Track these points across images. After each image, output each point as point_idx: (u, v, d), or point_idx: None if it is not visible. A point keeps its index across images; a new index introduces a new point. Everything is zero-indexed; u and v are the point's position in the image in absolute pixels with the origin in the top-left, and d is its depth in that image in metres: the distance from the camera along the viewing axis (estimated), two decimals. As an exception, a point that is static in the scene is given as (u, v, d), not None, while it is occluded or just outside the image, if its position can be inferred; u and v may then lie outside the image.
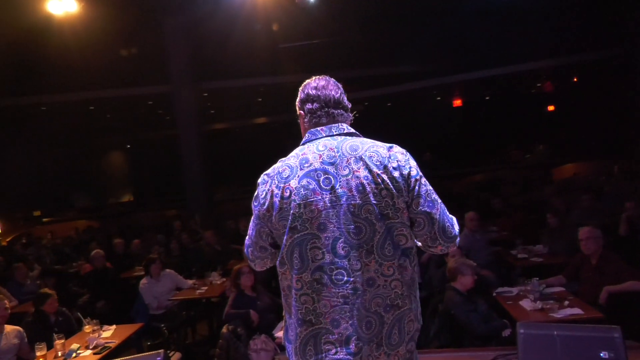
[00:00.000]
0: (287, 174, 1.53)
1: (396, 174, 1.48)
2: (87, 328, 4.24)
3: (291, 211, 1.48)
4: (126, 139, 19.98)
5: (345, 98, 1.70)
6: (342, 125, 1.62)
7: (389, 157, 1.50)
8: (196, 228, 10.44)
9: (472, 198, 10.15)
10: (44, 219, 13.98)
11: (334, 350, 1.46)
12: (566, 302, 3.55)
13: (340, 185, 1.47)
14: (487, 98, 18.65)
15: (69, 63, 11.23)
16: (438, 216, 1.52)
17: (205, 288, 5.59)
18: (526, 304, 3.67)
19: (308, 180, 1.49)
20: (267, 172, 1.61)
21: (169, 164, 15.14)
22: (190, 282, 5.86)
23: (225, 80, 14.26)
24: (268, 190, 1.55)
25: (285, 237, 1.50)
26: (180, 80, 12.72)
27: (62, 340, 3.96)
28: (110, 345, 3.96)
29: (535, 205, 8.36)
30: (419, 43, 13.18)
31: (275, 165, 1.61)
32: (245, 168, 18.43)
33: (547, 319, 3.36)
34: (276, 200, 1.52)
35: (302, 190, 1.48)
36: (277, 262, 1.57)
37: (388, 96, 16.54)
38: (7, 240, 11.12)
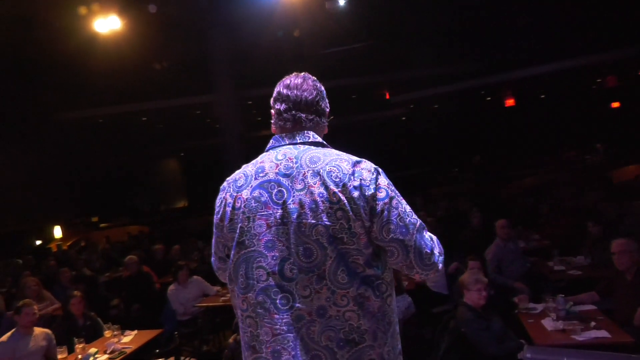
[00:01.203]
0: (241, 183, 1.40)
1: (356, 194, 1.29)
2: (107, 333, 4.41)
3: (239, 224, 1.36)
4: (179, 147, 20.82)
5: (324, 102, 1.52)
6: (308, 133, 1.45)
7: (352, 173, 1.31)
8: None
9: (517, 203, 9.60)
10: (101, 224, 14.85)
11: None
12: (592, 323, 3.21)
13: (292, 200, 1.31)
14: (542, 97, 17.63)
15: (120, 77, 11.90)
16: (413, 243, 1.34)
17: (229, 295, 5.64)
18: (548, 323, 3.37)
19: (261, 191, 1.35)
20: (228, 178, 1.48)
21: (218, 170, 15.59)
22: (215, 288, 5.95)
23: (266, 87, 14.45)
24: (223, 198, 1.43)
25: (232, 252, 1.38)
26: (222, 89, 13.09)
27: (82, 344, 4.14)
28: (126, 350, 4.08)
29: (586, 211, 7.74)
30: (463, 40, 12.70)
31: (236, 171, 1.48)
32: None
33: (568, 342, 3.06)
34: (228, 209, 1.40)
35: (252, 202, 1.35)
36: (227, 277, 1.44)
37: (434, 97, 16.08)
38: (67, 244, 11.90)
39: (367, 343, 1.32)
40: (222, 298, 5.59)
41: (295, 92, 1.46)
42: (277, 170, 1.36)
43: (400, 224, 1.32)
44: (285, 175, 1.35)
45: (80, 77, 11.46)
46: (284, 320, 1.29)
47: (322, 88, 1.53)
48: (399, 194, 1.38)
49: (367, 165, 1.36)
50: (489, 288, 4.16)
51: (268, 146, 1.49)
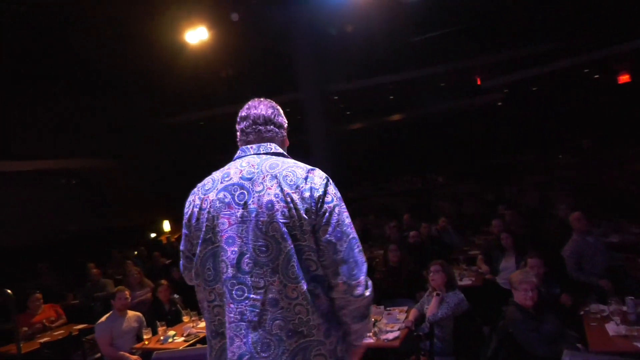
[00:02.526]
0: (208, 187, 1.57)
1: (307, 194, 1.44)
2: (185, 318, 4.91)
3: (205, 223, 1.51)
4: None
5: (281, 117, 1.72)
6: (270, 145, 1.63)
7: (305, 178, 1.47)
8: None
9: (624, 192, 8.58)
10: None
11: None
12: (663, 330, 2.86)
13: (252, 201, 1.46)
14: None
15: (213, 82, 12.88)
16: (343, 250, 1.44)
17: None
18: (611, 327, 3.08)
19: (225, 193, 1.51)
20: (199, 183, 1.66)
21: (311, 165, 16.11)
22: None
23: (350, 82, 14.57)
24: (192, 200, 1.60)
25: (199, 249, 1.52)
26: (306, 86, 13.49)
27: (164, 327, 4.68)
28: (200, 334, 4.51)
29: None
30: (563, 13, 11.55)
31: (206, 177, 1.65)
32: (379, 166, 18.67)
33: (629, 349, 2.77)
34: (195, 210, 1.55)
35: (217, 202, 1.50)
36: (193, 274, 1.59)
37: (532, 79, 14.82)
38: (174, 237, 13.25)
39: (316, 338, 1.42)
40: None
41: (253, 111, 1.68)
42: (240, 175, 1.52)
43: (337, 229, 1.44)
44: (247, 179, 1.50)
45: (180, 85, 12.64)
46: (238, 310, 1.41)
47: (278, 106, 1.74)
48: (343, 206, 1.50)
49: (319, 173, 1.52)
50: (555, 287, 3.90)
51: (235, 156, 1.66)
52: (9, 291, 4.77)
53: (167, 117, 14.98)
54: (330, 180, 1.52)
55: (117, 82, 12.49)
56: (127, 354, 4.51)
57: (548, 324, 3.13)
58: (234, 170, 1.56)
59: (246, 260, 1.43)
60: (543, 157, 15.58)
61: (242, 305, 1.41)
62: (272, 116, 1.68)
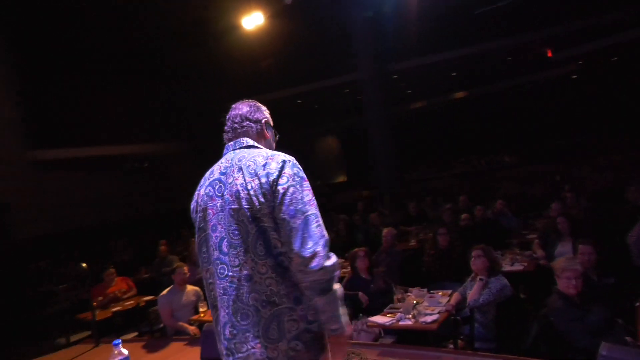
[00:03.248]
0: (201, 183, 1.81)
1: (263, 180, 1.61)
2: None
3: (199, 214, 1.76)
4: (336, 125, 21.90)
5: (258, 113, 1.89)
6: (243, 139, 1.82)
7: (263, 165, 1.65)
8: (382, 209, 10.89)
9: None
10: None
11: (220, 337, 1.69)
12: None
13: (227, 192, 1.68)
14: None
15: (271, 65, 13.14)
16: (297, 225, 1.56)
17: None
18: (665, 319, 2.88)
19: (209, 188, 1.74)
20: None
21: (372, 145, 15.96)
22: (341, 260, 6.37)
23: (409, 59, 14.20)
24: (194, 196, 1.84)
25: (196, 236, 1.78)
26: (365, 66, 13.36)
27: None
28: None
29: None
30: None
31: None
32: (439, 146, 18.14)
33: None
34: (194, 204, 1.82)
35: (205, 197, 1.75)
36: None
37: (611, 48, 13.56)
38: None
39: (287, 305, 1.60)
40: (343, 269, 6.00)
41: (233, 112, 1.89)
42: (220, 171, 1.76)
43: (291, 207, 1.58)
44: (223, 174, 1.73)
45: (240, 69, 13.04)
46: (221, 286, 1.65)
47: (258, 105, 1.92)
48: (305, 185, 1.64)
49: (277, 158, 1.68)
50: (610, 276, 3.69)
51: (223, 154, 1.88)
52: (84, 265, 5.33)
53: (229, 102, 15.50)
54: (290, 163, 1.66)
55: (184, 70, 13.12)
56: (186, 325, 4.87)
57: (594, 315, 2.99)
58: (217, 167, 1.79)
59: (225, 243, 1.65)
60: (620, 136, 14.32)
61: (224, 281, 1.64)
62: (248, 114, 1.86)
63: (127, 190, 11.84)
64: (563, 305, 3.03)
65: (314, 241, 1.56)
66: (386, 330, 4.00)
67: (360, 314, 4.18)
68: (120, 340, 1.99)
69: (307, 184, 1.65)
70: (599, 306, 3.07)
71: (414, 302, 3.92)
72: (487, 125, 16.79)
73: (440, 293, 4.17)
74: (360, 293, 4.41)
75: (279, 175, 1.62)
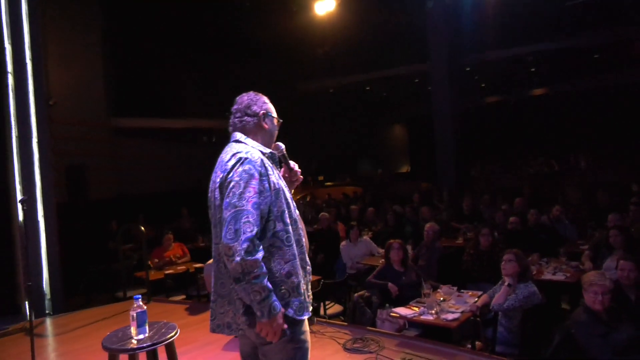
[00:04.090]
0: (212, 172, 2.01)
1: (223, 175, 1.84)
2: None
3: (210, 198, 1.99)
4: (404, 114, 21.55)
5: (255, 106, 2.03)
6: (235, 134, 2.03)
7: (227, 162, 1.85)
8: (437, 203, 10.69)
9: None
10: (326, 183, 17.06)
11: None
12: None
13: (212, 183, 1.95)
14: None
15: (344, 51, 13.20)
16: (227, 217, 1.72)
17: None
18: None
19: (214, 176, 1.97)
20: None
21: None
22: (381, 250, 6.43)
23: (483, 52, 13.61)
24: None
25: (210, 217, 2.01)
26: (437, 57, 13.04)
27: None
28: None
29: None
30: None
31: None
32: (511, 144, 17.23)
33: None
34: (209, 193, 2.02)
35: (211, 183, 1.98)
36: None
37: None
38: (297, 197, 14.25)
39: (233, 285, 1.79)
40: (382, 260, 6.06)
41: (235, 106, 2.07)
42: (217, 165, 1.96)
43: (227, 199, 1.76)
44: (217, 169, 1.95)
45: (312, 53, 13.23)
46: (212, 261, 1.94)
47: (259, 97, 2.07)
48: (252, 183, 1.77)
49: (239, 155, 1.84)
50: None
51: None
52: (142, 228, 5.85)
53: (301, 84, 15.86)
54: (246, 160, 1.80)
55: (257, 48, 13.54)
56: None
57: (620, 333, 2.86)
58: (219, 158, 1.99)
59: (214, 223, 1.92)
60: None
61: (214, 256, 1.94)
62: (246, 107, 2.02)
63: (194, 162, 12.52)
64: (587, 320, 2.93)
65: (237, 236, 1.68)
66: (411, 323, 4.05)
67: (387, 304, 4.26)
68: (140, 296, 2.27)
69: (254, 182, 1.78)
70: (627, 325, 2.93)
71: (441, 298, 3.94)
72: (565, 126, 15.72)
73: (469, 293, 4.15)
74: (389, 283, 4.47)
75: (230, 171, 1.81)
